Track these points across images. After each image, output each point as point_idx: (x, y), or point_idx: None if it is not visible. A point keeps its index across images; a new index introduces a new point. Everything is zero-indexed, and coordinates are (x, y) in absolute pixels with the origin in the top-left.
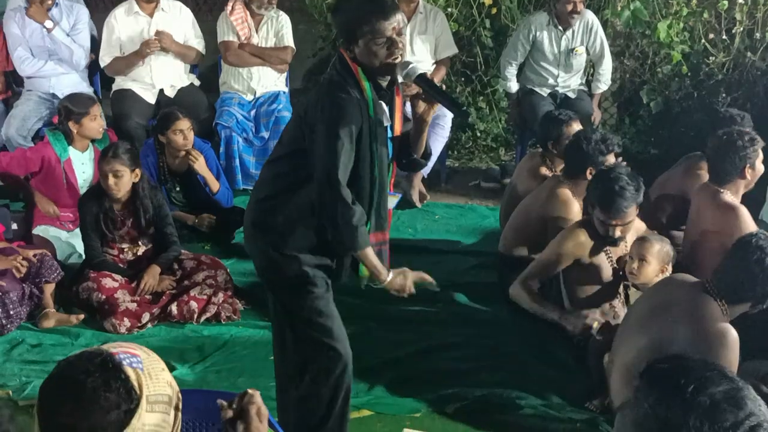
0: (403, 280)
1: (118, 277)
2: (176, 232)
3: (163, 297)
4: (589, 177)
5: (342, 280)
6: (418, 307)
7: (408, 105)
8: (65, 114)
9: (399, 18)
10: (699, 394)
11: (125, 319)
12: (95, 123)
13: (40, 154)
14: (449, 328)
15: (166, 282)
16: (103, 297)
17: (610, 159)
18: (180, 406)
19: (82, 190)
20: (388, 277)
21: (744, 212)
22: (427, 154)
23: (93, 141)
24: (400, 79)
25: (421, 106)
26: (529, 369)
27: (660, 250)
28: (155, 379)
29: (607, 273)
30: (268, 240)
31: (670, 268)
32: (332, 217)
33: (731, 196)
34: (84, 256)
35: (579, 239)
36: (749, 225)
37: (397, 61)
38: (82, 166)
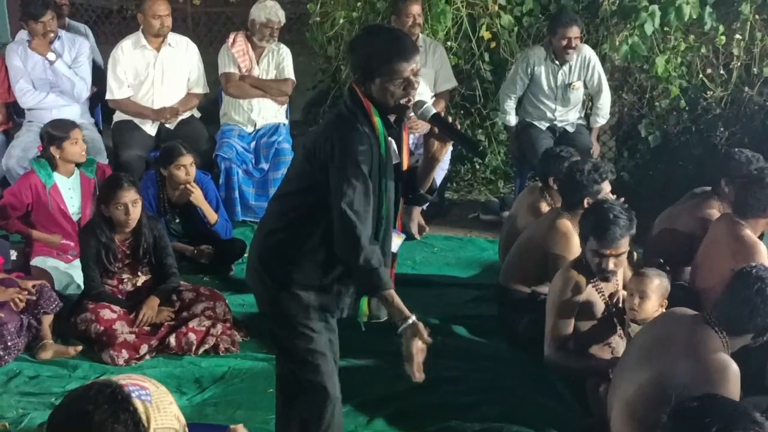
0: (419, 362)
1: (116, 308)
2: (176, 264)
3: (162, 329)
4: (587, 206)
5: (342, 316)
6: None
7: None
8: (47, 139)
9: (418, 59)
10: None
11: (123, 350)
12: (77, 147)
13: (27, 182)
14: (448, 361)
15: (164, 313)
16: (102, 328)
17: (605, 187)
18: None
19: (74, 216)
20: (412, 319)
21: (763, 249)
22: (432, 190)
23: (78, 166)
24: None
25: (434, 144)
26: (528, 403)
27: (659, 285)
28: (163, 413)
29: (600, 308)
30: (272, 276)
31: (665, 303)
32: (354, 261)
33: (750, 232)
34: (81, 286)
35: (574, 279)
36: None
37: (411, 102)
38: (69, 191)
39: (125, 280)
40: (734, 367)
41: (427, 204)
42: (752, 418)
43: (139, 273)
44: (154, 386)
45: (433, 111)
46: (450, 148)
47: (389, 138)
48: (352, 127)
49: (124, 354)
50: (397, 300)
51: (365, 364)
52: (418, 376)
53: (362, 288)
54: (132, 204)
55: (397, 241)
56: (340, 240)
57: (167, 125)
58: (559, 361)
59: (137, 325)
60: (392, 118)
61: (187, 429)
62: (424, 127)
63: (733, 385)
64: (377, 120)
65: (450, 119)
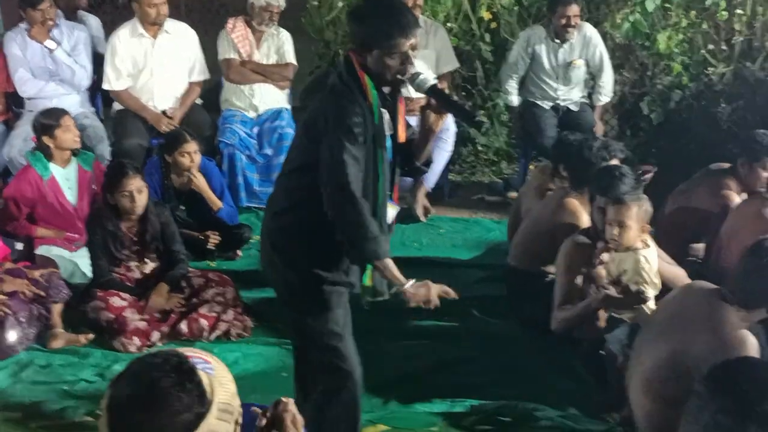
0: (427, 291)
1: (125, 295)
2: (184, 250)
3: (172, 315)
4: None
5: (355, 291)
6: (430, 322)
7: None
8: (40, 129)
9: (417, 33)
10: (762, 403)
11: (134, 337)
12: (69, 134)
13: (26, 178)
14: (461, 341)
15: (174, 300)
16: (112, 316)
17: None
18: (240, 422)
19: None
20: (408, 284)
21: None
22: (428, 162)
23: (75, 156)
24: (406, 92)
25: (431, 116)
26: (544, 381)
27: (638, 212)
28: (225, 388)
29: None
30: (283, 257)
31: (648, 226)
32: (349, 229)
33: None
34: (87, 274)
35: (576, 244)
36: None
37: (407, 76)
38: (67, 182)
39: (133, 268)
40: (752, 341)
41: (432, 186)
42: None
43: (146, 260)
44: (215, 362)
45: (430, 83)
46: (453, 128)
47: (382, 109)
48: (347, 97)
49: (136, 341)
50: (393, 268)
51: (378, 345)
52: (432, 301)
53: (358, 257)
54: (137, 191)
55: (391, 212)
56: (335, 209)
57: (168, 113)
58: (561, 317)
59: (147, 313)
60: (387, 90)
61: (241, 410)
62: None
63: None
64: (372, 91)
65: (446, 90)
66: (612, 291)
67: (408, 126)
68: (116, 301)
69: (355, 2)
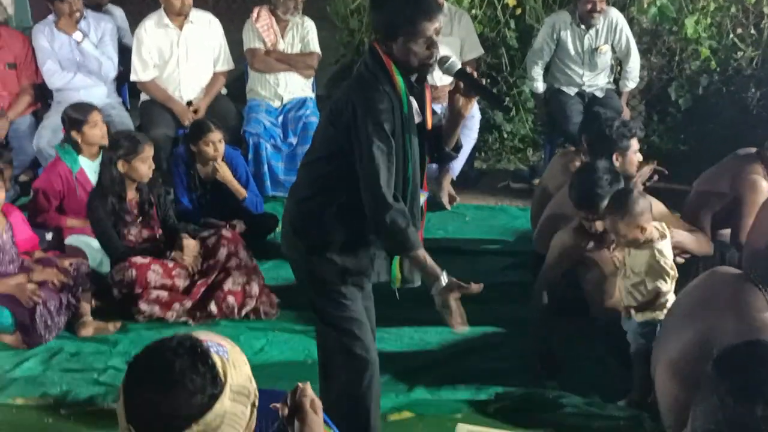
0: (456, 305)
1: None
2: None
3: (195, 289)
4: (616, 163)
5: (379, 280)
6: None
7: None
8: (68, 123)
9: (441, 18)
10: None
11: (156, 307)
12: (96, 130)
13: (56, 170)
14: (487, 328)
15: (196, 259)
16: (135, 274)
17: (634, 144)
18: (256, 404)
19: None
20: (443, 278)
21: None
22: (458, 147)
23: (104, 149)
24: (431, 80)
25: (459, 100)
26: (570, 367)
27: (627, 221)
28: (239, 371)
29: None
30: (306, 243)
31: (651, 218)
32: (382, 224)
33: None
34: None
35: (571, 232)
36: None
37: (434, 61)
38: (95, 174)
39: (139, 231)
40: None
41: (457, 174)
42: None
43: (158, 236)
44: (230, 345)
45: (458, 66)
46: (478, 115)
47: (410, 97)
48: (373, 87)
49: (156, 309)
50: (428, 260)
51: (402, 333)
52: (461, 326)
53: (391, 249)
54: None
55: (421, 199)
56: (368, 202)
57: (194, 105)
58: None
59: (173, 261)
60: (413, 77)
61: (257, 393)
62: (445, 96)
63: None
64: (399, 79)
65: (475, 74)
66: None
67: (434, 113)
68: (138, 259)
69: None
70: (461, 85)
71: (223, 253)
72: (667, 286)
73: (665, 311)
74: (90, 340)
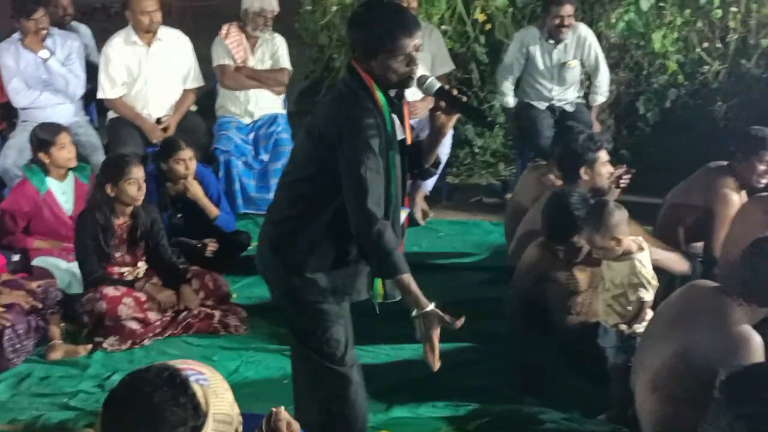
0: (436, 342)
1: (119, 286)
2: (169, 246)
3: (164, 318)
4: (585, 177)
5: (360, 298)
6: None
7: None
8: (35, 144)
9: (420, 34)
10: None
11: (128, 341)
12: (64, 151)
13: (22, 191)
14: (463, 345)
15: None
16: (105, 307)
17: (603, 156)
18: (240, 430)
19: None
20: (429, 307)
21: None
22: (437, 163)
23: (73, 171)
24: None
25: (441, 118)
26: (548, 382)
27: (601, 234)
28: (220, 398)
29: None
30: (286, 264)
31: (627, 230)
32: (370, 243)
33: None
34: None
35: (540, 247)
36: None
37: (414, 76)
38: (63, 195)
39: (125, 274)
40: (757, 338)
41: (430, 189)
42: None
43: (138, 264)
44: (210, 372)
45: (438, 85)
46: (450, 131)
47: (392, 114)
48: (357, 104)
49: (126, 345)
50: (414, 286)
51: (380, 350)
52: (436, 364)
53: (378, 271)
54: (141, 181)
55: (402, 215)
56: (356, 221)
57: (163, 122)
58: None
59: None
60: (393, 93)
61: (240, 418)
62: (423, 111)
63: (757, 356)
64: (380, 96)
65: (455, 92)
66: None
67: (412, 129)
68: (110, 291)
69: (352, 7)
70: (442, 103)
71: (196, 303)
72: (650, 295)
73: (644, 324)
74: (60, 364)
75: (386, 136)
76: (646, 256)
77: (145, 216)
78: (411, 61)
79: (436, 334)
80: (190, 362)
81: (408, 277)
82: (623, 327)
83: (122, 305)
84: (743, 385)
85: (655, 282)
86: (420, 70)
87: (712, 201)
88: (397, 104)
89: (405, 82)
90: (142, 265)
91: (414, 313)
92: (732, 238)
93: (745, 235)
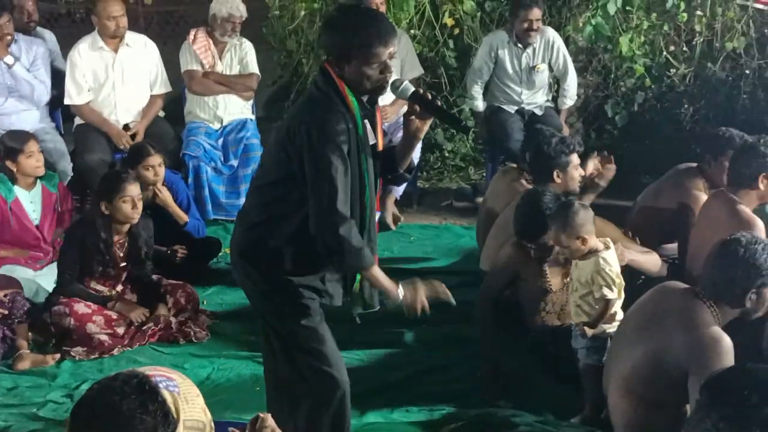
0: (413, 294)
1: (90, 303)
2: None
3: (131, 329)
4: (558, 180)
5: (333, 304)
6: (403, 330)
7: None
8: (4, 152)
9: (395, 41)
10: (763, 408)
11: (96, 351)
12: (32, 160)
13: None
14: (436, 349)
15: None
16: (74, 324)
17: (574, 159)
18: None
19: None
20: (399, 293)
21: (760, 224)
22: (410, 168)
23: (41, 179)
24: (383, 100)
25: (415, 122)
26: (521, 385)
27: (567, 232)
28: (191, 404)
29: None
30: (258, 269)
31: (593, 230)
32: (336, 246)
33: (745, 207)
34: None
35: (513, 247)
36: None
37: (387, 83)
38: (31, 204)
39: (103, 292)
40: (726, 340)
41: (401, 194)
42: None
43: (118, 285)
44: (180, 378)
45: (412, 89)
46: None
47: (364, 119)
48: (328, 107)
49: (96, 353)
50: (382, 277)
51: (355, 356)
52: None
53: (346, 267)
54: (138, 198)
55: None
56: (323, 221)
57: (131, 128)
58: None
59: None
60: (365, 98)
61: (213, 424)
62: (393, 116)
63: (726, 359)
64: (352, 100)
65: (429, 96)
66: None
67: (384, 134)
68: (81, 308)
69: (320, 12)
70: (416, 107)
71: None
72: (614, 294)
73: (615, 324)
74: (27, 374)
75: (358, 140)
76: (611, 255)
77: (146, 236)
78: (385, 69)
79: (421, 297)
80: (159, 369)
81: (376, 269)
82: (586, 328)
83: (91, 323)
84: (725, 387)
85: (620, 280)
86: (401, 78)
87: (680, 202)
88: (369, 109)
89: (378, 89)
90: (121, 287)
91: (386, 303)
92: (700, 241)
93: (704, 234)
